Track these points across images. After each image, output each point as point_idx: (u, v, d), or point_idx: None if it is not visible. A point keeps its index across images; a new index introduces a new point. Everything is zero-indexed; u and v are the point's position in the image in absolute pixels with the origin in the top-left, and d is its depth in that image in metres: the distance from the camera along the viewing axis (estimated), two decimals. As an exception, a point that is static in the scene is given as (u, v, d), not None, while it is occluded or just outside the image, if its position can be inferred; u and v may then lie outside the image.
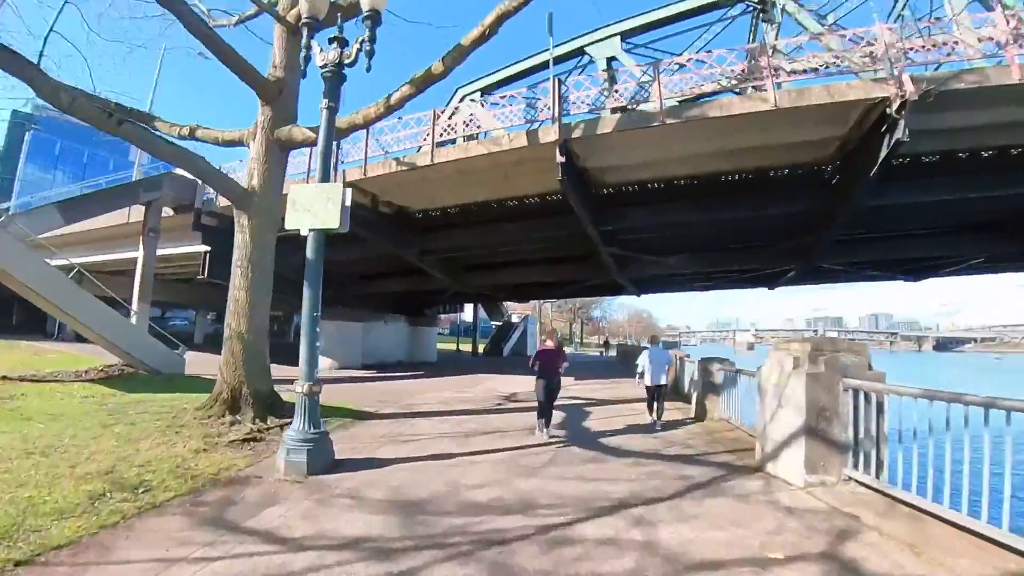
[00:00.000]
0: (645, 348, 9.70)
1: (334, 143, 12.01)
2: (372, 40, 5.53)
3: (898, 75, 7.68)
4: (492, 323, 44.26)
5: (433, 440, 6.75)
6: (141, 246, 15.48)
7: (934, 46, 7.94)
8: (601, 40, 12.43)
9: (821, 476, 4.42)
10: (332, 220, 5.41)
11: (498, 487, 4.61)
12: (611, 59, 12.14)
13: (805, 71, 8.66)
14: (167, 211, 16.13)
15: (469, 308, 42.12)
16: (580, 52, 12.84)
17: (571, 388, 12.95)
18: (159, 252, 16.36)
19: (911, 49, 7.98)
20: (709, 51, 9.64)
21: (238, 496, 4.29)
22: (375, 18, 5.54)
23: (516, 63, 13.70)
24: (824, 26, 9.94)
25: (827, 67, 8.42)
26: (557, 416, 7.94)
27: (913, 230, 13.38)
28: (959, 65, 8.02)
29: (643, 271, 17.10)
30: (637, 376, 8.71)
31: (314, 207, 5.51)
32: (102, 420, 7.12)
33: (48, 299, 10.87)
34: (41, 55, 7.22)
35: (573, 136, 9.48)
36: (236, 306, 7.63)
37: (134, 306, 14.67)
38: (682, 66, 9.47)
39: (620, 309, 79.83)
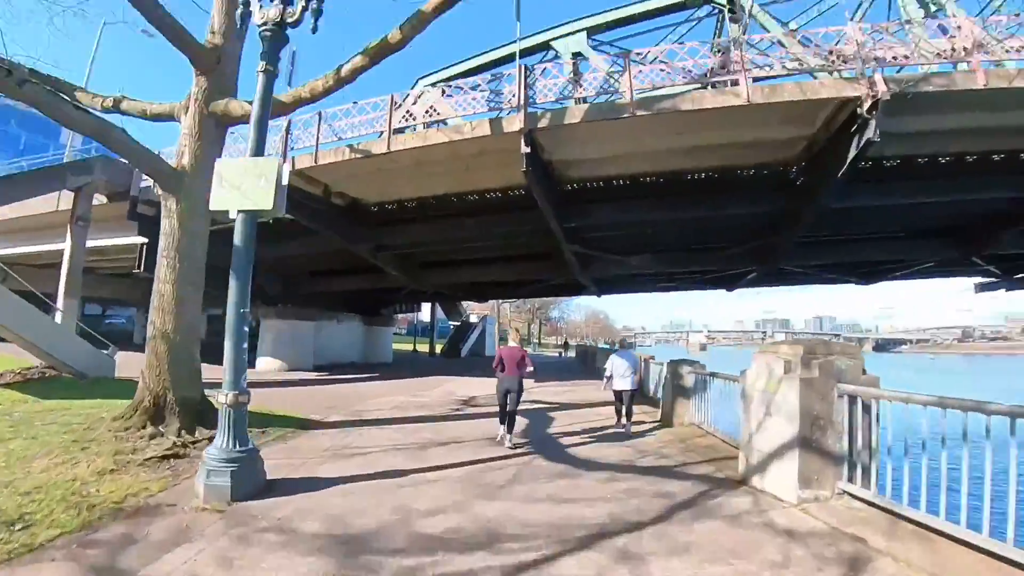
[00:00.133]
0: (607, 349, 9.37)
1: (283, 123, 11.16)
2: (320, -5, 4.81)
3: (869, 75, 7.62)
4: (450, 323, 43.33)
5: (384, 454, 6.02)
6: (68, 236, 13.87)
7: (906, 57, 7.88)
8: (567, 35, 12.06)
9: (815, 491, 4.03)
10: (265, 200, 4.60)
11: (456, 514, 3.95)
12: (577, 54, 11.75)
13: (772, 67, 8.45)
14: (100, 198, 14.61)
15: (426, 308, 41.01)
16: (546, 46, 12.39)
17: (533, 391, 12.42)
18: (92, 244, 14.85)
19: (880, 50, 7.93)
20: (682, 43, 9.34)
21: (141, 532, 3.48)
22: (323, -31, 4.83)
23: (480, 55, 13.10)
24: (787, 32, 9.85)
25: (800, 63, 8.25)
26: (520, 422, 7.39)
27: (873, 233, 13.69)
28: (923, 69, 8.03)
29: (606, 271, 16.85)
30: (604, 380, 8.43)
31: (244, 185, 4.67)
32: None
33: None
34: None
35: (539, 126, 8.96)
36: (161, 301, 6.63)
37: (59, 303, 13.11)
38: (656, 59, 9.09)
39: (578, 310, 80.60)
